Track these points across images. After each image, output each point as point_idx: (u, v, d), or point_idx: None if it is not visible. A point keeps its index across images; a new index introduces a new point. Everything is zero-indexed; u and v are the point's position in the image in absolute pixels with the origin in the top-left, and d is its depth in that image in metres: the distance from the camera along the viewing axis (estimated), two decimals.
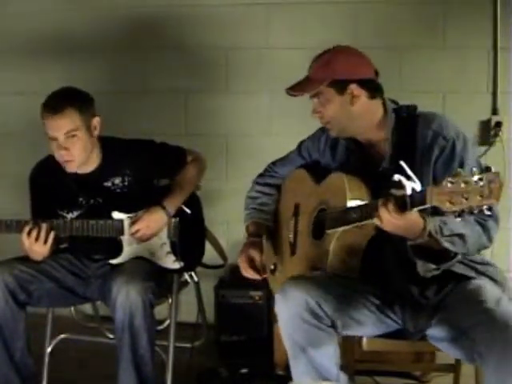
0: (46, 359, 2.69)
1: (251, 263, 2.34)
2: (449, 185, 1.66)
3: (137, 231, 2.50)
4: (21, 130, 3.61)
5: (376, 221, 1.87)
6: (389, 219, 1.83)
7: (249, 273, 2.34)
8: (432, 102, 3.19)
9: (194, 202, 2.71)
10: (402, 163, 1.86)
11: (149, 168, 2.61)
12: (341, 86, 2.10)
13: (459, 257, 1.98)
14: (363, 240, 2.07)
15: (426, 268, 1.94)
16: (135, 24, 3.51)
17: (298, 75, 3.40)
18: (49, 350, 2.72)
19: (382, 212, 1.84)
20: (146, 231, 2.51)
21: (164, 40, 3.50)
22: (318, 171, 2.32)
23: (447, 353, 2.06)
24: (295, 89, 2.18)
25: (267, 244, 2.45)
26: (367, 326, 2.11)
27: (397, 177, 1.82)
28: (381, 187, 1.97)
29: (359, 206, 1.99)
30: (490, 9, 3.22)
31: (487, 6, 3.22)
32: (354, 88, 2.10)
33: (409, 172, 1.84)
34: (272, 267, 2.40)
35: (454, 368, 2.49)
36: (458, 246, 1.92)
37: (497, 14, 3.21)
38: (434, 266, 1.94)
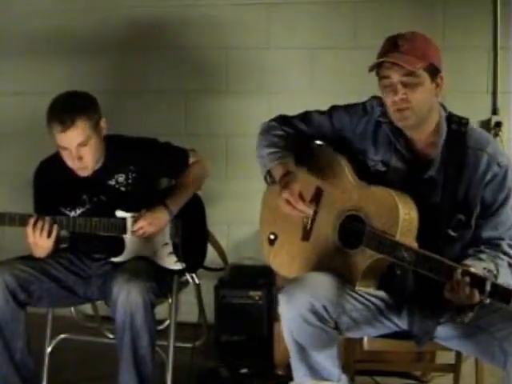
0: (46, 359, 2.69)
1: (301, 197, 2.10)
2: None
3: (139, 228, 2.50)
4: (21, 130, 3.61)
5: (447, 293, 1.83)
6: (457, 295, 1.79)
7: (301, 207, 2.09)
8: None
9: (196, 203, 2.71)
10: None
11: (151, 166, 2.60)
12: (434, 72, 2.00)
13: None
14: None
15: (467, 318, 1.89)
16: (135, 24, 3.51)
17: (298, 75, 3.44)
18: (49, 350, 2.71)
19: (456, 285, 1.79)
20: (147, 229, 2.50)
21: (164, 40, 3.50)
22: (357, 161, 2.16)
23: (458, 350, 2.03)
24: (393, 61, 1.95)
25: (269, 208, 2.30)
26: (364, 327, 2.10)
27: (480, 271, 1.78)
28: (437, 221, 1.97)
29: (414, 251, 1.90)
30: (490, 9, 3.22)
31: (487, 6, 3.22)
32: (442, 78, 2.02)
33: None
34: (272, 237, 2.30)
35: (454, 368, 2.48)
36: None
37: (497, 14, 3.21)
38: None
